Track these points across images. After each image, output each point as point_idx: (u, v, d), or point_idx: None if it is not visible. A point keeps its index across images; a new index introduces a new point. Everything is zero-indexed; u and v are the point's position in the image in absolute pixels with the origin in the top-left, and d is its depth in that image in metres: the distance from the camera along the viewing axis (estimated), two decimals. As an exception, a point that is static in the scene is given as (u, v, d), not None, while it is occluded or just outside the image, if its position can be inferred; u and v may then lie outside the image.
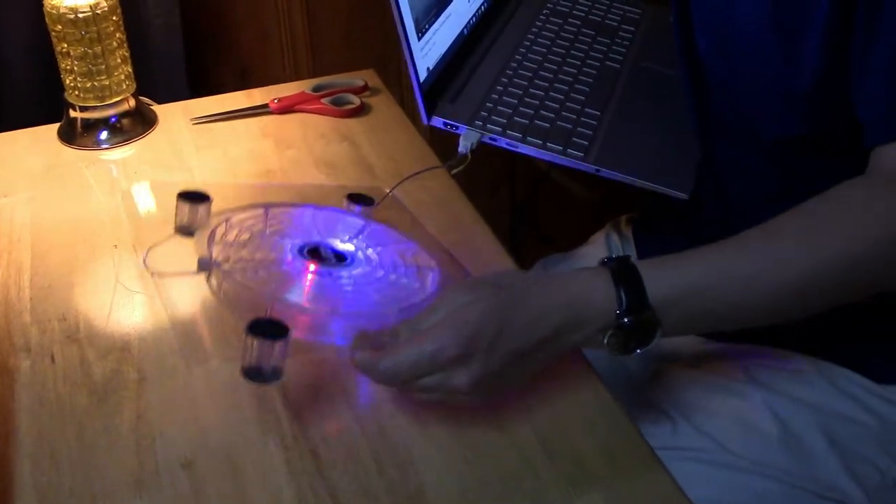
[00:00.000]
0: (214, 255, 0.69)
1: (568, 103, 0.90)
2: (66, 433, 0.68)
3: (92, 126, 1.04)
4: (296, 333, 0.62)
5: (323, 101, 1.09)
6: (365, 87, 1.12)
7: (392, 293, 0.71)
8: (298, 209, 0.80)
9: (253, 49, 1.41)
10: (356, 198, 0.84)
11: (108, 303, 0.81)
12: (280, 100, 1.09)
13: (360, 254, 0.75)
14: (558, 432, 0.67)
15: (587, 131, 0.87)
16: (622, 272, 0.64)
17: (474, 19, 1.00)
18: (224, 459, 0.65)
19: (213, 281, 0.68)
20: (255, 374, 0.61)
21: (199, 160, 1.01)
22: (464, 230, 0.88)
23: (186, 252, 0.71)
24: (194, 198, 0.77)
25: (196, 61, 1.35)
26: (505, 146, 0.85)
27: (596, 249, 1.01)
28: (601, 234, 1.03)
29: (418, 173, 0.87)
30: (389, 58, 1.46)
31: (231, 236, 0.73)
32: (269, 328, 0.61)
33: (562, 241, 1.15)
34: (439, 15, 0.93)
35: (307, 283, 0.70)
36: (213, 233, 0.72)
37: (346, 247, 0.76)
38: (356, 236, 0.78)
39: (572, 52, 0.99)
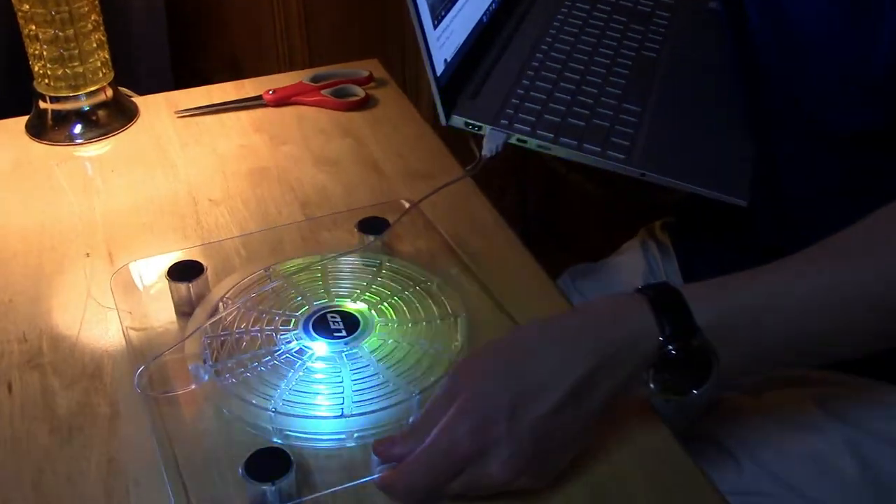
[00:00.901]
0: (210, 357, 0.63)
1: (603, 98, 0.80)
2: (21, 478, 0.57)
3: (64, 118, 0.93)
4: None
5: (323, 92, 0.98)
6: (370, 78, 1.01)
7: (412, 367, 0.62)
8: (301, 263, 0.71)
9: (244, 38, 1.30)
10: (368, 225, 0.74)
11: (78, 321, 0.70)
12: (275, 91, 0.98)
13: (374, 312, 0.66)
14: (613, 480, 0.56)
15: (627, 130, 0.76)
16: (662, 297, 0.54)
17: (494, 5, 0.90)
18: (212, 516, 0.54)
19: (213, 393, 0.61)
20: None
21: (185, 157, 0.90)
22: (487, 237, 0.78)
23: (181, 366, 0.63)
24: (187, 273, 0.69)
25: (182, 50, 1.24)
26: (535, 148, 0.75)
27: (630, 259, 0.91)
28: (635, 241, 0.93)
29: (443, 187, 0.76)
30: (392, 48, 1.35)
31: (230, 320, 0.66)
32: (268, 465, 0.53)
33: (582, 249, 1.05)
34: (456, 1, 0.83)
35: (313, 379, 0.61)
36: (208, 327, 0.65)
37: (359, 306, 0.66)
38: (369, 288, 0.69)
39: (603, 40, 0.89)
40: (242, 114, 0.97)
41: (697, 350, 0.53)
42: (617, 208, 1.26)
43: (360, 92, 0.98)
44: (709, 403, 0.74)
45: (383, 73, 1.04)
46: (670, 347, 0.52)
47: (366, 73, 1.01)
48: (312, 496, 0.54)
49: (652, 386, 0.54)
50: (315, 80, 1.00)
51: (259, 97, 0.98)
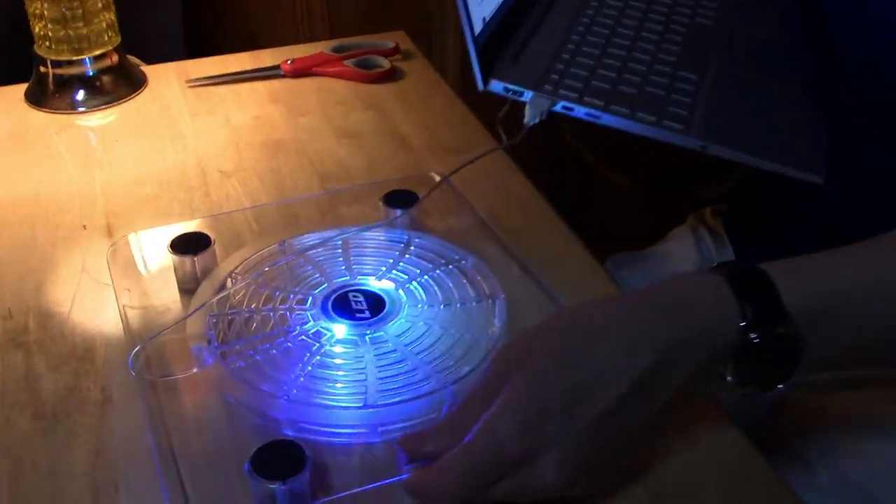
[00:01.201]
0: (215, 337, 0.55)
1: (656, 66, 0.72)
2: (-3, 471, 0.50)
3: (66, 84, 0.86)
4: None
5: (345, 62, 0.91)
6: (395, 50, 0.94)
7: (444, 354, 0.54)
8: (320, 237, 0.63)
9: (262, 11, 1.23)
10: (395, 198, 0.66)
11: (70, 297, 0.63)
12: (294, 61, 0.91)
13: (401, 292, 0.58)
14: (679, 487, 0.48)
15: (684, 99, 0.68)
16: (743, 276, 0.46)
17: (535, -35, 0.82)
18: (212, 519, 0.47)
19: (217, 378, 0.54)
20: None
21: (195, 128, 0.83)
22: (525, 215, 0.71)
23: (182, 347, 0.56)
24: (192, 246, 0.61)
25: (195, 25, 1.17)
26: (583, 116, 0.67)
27: (680, 247, 0.83)
28: (684, 228, 0.85)
29: (479, 157, 0.68)
30: (419, 24, 1.28)
31: (239, 297, 0.58)
32: (279, 460, 0.45)
33: (609, 242, 0.97)
34: (494, -44, 0.75)
35: (332, 364, 0.53)
36: (214, 305, 0.58)
37: (384, 285, 0.58)
38: (396, 265, 0.61)
39: (653, 6, 0.81)
40: (258, 84, 0.90)
41: (783, 338, 0.45)
42: (647, 201, 1.18)
43: (386, 63, 0.91)
44: (773, 403, 0.66)
45: (410, 45, 0.97)
46: (752, 336, 0.44)
47: (391, 45, 0.94)
48: (329, 498, 0.46)
49: (729, 379, 0.46)
50: (337, 50, 0.93)
51: (276, 67, 0.91)
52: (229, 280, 0.59)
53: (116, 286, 0.62)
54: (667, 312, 0.46)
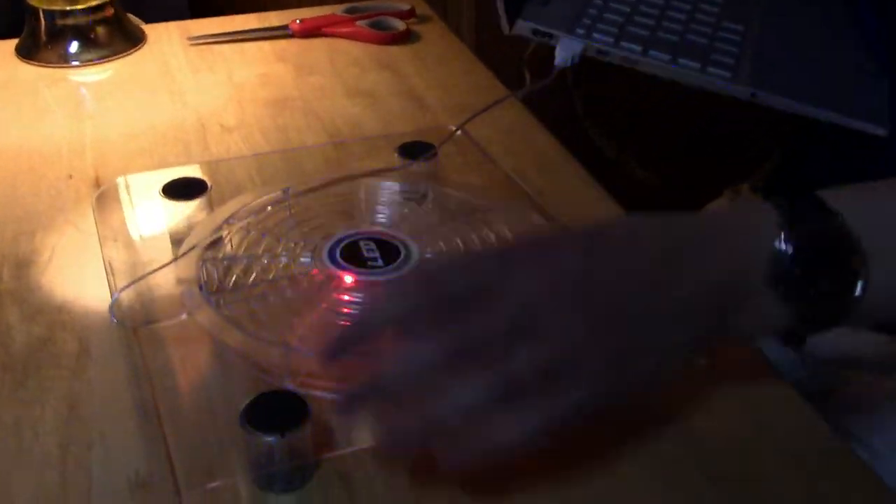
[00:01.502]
0: (209, 283, 0.49)
1: (698, 15, 0.67)
2: (-43, 427, 0.44)
3: (59, 35, 0.80)
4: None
5: (358, 23, 0.85)
6: (411, 13, 0.88)
7: None
8: (329, 184, 0.57)
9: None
10: (410, 149, 0.60)
11: (50, 246, 0.56)
12: (303, 21, 0.86)
13: (418, 242, 0.52)
14: (723, 443, 0.42)
15: (730, 48, 0.63)
16: (788, 198, 0.39)
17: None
18: (197, 476, 0.40)
19: (209, 324, 0.47)
20: (265, 481, 0.40)
21: (195, 83, 0.77)
22: (551, 171, 0.65)
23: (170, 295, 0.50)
24: (186, 191, 0.55)
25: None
26: (617, 62, 0.61)
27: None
28: (721, 202, 0.79)
29: (496, 104, 0.62)
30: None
31: (236, 241, 0.52)
32: (277, 411, 0.39)
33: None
34: None
35: (340, 313, 0.47)
36: (211, 245, 0.52)
37: (399, 234, 0.53)
38: (413, 215, 0.55)
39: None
40: (265, 44, 0.85)
41: (831, 235, 0.38)
42: (668, 195, 1.12)
43: (401, 25, 0.85)
44: (826, 388, 0.59)
45: (426, 9, 0.91)
46: (791, 231, 0.37)
47: (406, 7, 0.88)
48: (332, 454, 0.40)
49: (774, 293, 0.38)
50: (349, 12, 0.88)
51: (285, 27, 0.86)
52: (226, 225, 0.53)
53: (102, 235, 0.56)
54: (698, 224, 0.39)
